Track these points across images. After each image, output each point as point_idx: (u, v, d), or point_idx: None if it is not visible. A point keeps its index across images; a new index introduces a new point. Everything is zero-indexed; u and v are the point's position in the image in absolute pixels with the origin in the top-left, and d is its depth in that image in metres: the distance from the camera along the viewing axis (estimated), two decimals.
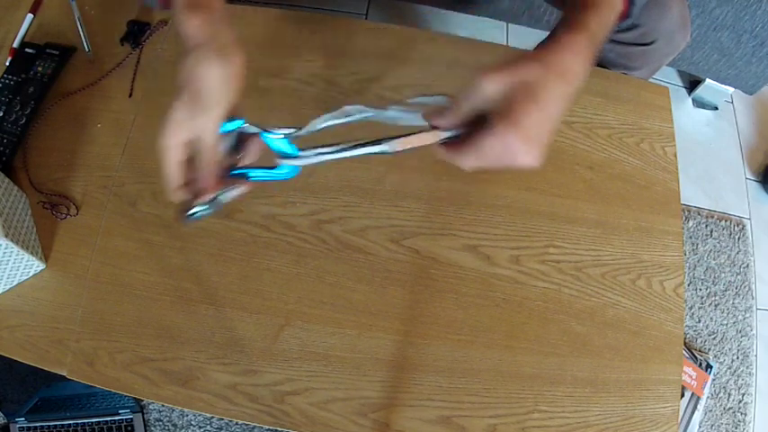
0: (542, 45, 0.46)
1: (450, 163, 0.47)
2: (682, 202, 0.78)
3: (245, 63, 0.47)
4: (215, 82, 0.45)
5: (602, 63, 0.87)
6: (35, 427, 1.07)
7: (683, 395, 1.17)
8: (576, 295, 0.71)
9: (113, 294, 0.69)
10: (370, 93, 0.79)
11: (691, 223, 1.34)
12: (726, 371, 1.23)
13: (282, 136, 0.48)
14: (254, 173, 0.50)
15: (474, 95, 0.44)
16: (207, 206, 0.48)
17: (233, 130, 0.49)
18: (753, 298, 1.29)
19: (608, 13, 0.49)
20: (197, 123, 0.45)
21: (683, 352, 1.17)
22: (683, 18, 0.83)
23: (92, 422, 1.08)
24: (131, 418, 1.09)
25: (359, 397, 0.65)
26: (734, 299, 1.29)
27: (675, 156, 0.79)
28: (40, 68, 0.78)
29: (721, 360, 1.23)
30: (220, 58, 0.45)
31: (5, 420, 1.07)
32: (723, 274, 1.30)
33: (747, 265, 1.32)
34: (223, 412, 0.65)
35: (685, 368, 1.18)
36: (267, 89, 0.78)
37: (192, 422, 1.10)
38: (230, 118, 0.47)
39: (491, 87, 0.43)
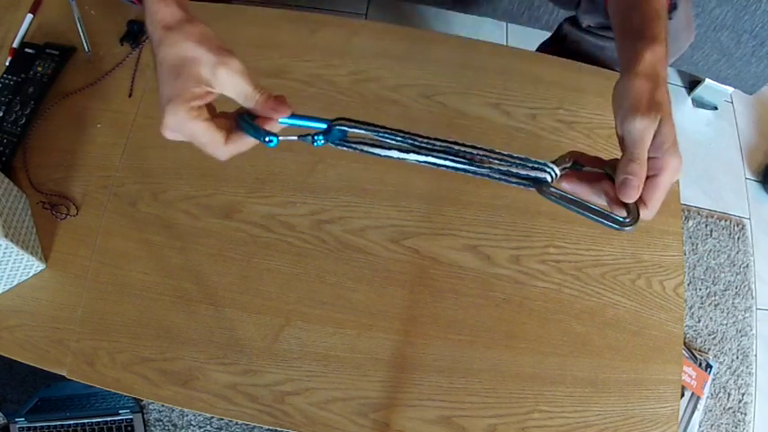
0: (633, 62, 0.49)
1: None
2: (682, 202, 0.78)
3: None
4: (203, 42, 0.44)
5: (603, 63, 0.87)
6: (35, 427, 1.07)
7: (682, 395, 1.17)
8: (576, 295, 0.71)
9: (113, 294, 0.69)
10: (370, 93, 0.79)
11: (691, 223, 1.34)
12: (726, 371, 1.23)
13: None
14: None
15: (648, 138, 0.46)
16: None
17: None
18: (753, 298, 1.29)
19: (665, 14, 0.53)
20: (215, 74, 0.43)
21: (683, 352, 1.17)
22: (688, 18, 0.82)
23: (92, 422, 1.08)
24: (131, 418, 1.09)
25: (359, 397, 0.65)
26: (734, 299, 1.28)
27: None
28: (39, 68, 0.78)
29: (721, 360, 1.23)
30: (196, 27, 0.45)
31: (5, 420, 1.07)
32: (723, 274, 1.30)
33: (747, 265, 1.32)
34: (223, 412, 0.65)
35: (685, 368, 1.18)
36: (267, 89, 0.78)
37: (192, 422, 1.10)
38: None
39: (653, 127, 0.46)
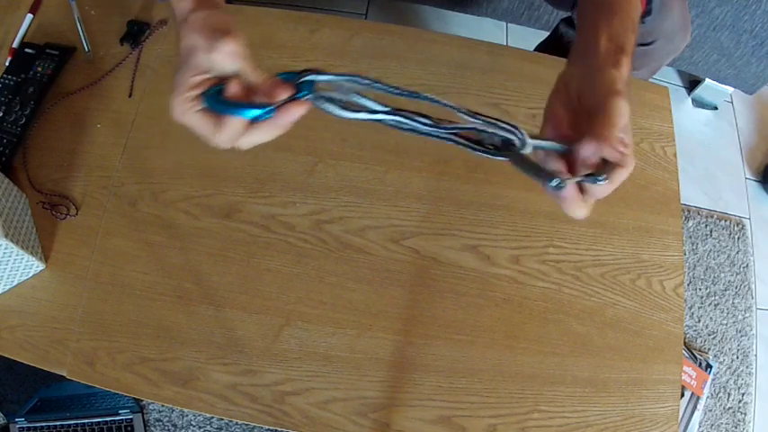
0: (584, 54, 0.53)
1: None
2: (682, 202, 0.78)
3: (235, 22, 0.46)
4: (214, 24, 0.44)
5: None
6: (35, 428, 1.07)
7: (682, 395, 1.17)
8: (576, 295, 0.71)
9: (113, 294, 0.69)
10: (370, 93, 0.78)
11: (690, 223, 1.34)
12: (726, 371, 1.23)
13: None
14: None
15: (623, 119, 0.49)
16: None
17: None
18: (752, 298, 1.29)
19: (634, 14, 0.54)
20: (212, 58, 0.43)
21: (683, 352, 1.17)
22: (684, 18, 0.82)
23: (92, 422, 1.08)
24: (131, 418, 1.09)
25: (359, 397, 0.65)
26: (734, 299, 1.28)
27: (675, 156, 0.79)
28: (39, 68, 0.78)
29: (721, 360, 1.23)
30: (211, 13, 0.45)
31: (5, 420, 1.07)
32: (723, 274, 1.30)
33: (747, 265, 1.32)
34: (223, 412, 0.65)
35: (685, 368, 1.18)
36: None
37: (192, 422, 1.10)
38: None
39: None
